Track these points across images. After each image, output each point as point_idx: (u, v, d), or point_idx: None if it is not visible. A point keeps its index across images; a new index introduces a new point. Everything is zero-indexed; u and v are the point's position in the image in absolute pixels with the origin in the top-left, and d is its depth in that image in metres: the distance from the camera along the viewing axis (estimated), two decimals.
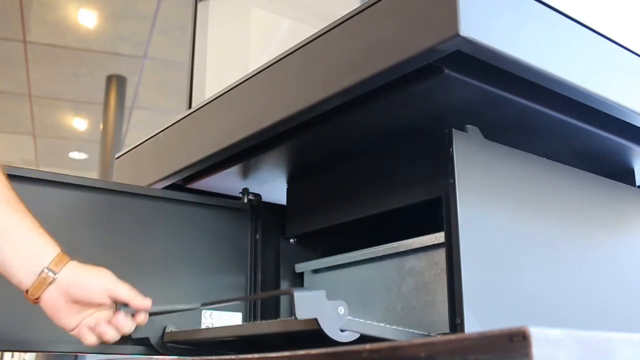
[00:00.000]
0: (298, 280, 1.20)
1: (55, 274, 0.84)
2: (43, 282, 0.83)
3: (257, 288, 1.19)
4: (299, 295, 0.68)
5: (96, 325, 0.87)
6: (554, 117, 0.89)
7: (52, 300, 0.84)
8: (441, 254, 0.91)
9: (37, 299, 0.84)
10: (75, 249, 1.02)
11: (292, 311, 0.69)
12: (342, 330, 0.71)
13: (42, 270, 0.83)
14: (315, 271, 1.18)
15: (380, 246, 1.03)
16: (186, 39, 1.77)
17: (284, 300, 1.19)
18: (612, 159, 1.07)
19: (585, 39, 0.85)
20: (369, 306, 1.04)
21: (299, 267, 1.19)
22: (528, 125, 0.93)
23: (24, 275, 0.83)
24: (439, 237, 0.91)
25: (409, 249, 0.98)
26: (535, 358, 0.37)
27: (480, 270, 0.82)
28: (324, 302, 0.70)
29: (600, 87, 0.84)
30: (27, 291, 0.84)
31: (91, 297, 0.86)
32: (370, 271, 1.05)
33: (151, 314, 0.92)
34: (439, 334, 0.87)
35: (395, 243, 1.00)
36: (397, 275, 1.01)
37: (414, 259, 0.98)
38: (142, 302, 0.89)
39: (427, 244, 0.95)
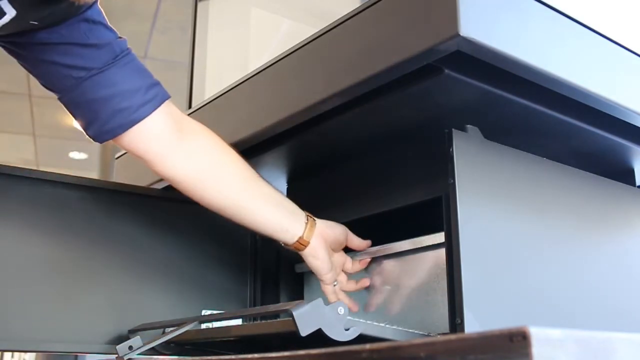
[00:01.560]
0: (298, 280, 1.20)
1: (314, 220, 1.00)
2: (311, 228, 0.99)
3: (257, 288, 1.19)
4: (298, 313, 0.67)
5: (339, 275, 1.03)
6: (554, 117, 0.89)
7: (318, 243, 0.99)
8: (441, 254, 0.91)
9: (305, 244, 0.99)
10: (75, 249, 1.03)
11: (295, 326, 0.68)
12: (346, 329, 0.71)
13: (307, 219, 1.00)
14: None
15: (380, 246, 1.03)
16: (186, 39, 1.77)
17: (283, 300, 1.19)
18: (612, 159, 1.07)
19: (585, 39, 0.85)
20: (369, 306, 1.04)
21: (299, 267, 1.18)
22: (528, 125, 0.93)
23: (297, 226, 0.99)
24: (439, 237, 0.91)
25: (409, 249, 0.98)
26: (535, 358, 0.37)
27: (480, 270, 0.82)
28: (323, 310, 0.70)
29: (600, 87, 0.84)
30: (297, 240, 0.99)
31: (338, 237, 1.02)
32: (370, 271, 1.05)
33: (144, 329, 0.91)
34: (439, 334, 0.87)
35: (395, 243, 1.00)
36: (397, 275, 1.01)
37: (414, 259, 0.98)
38: (363, 243, 1.04)
39: (427, 244, 0.95)
